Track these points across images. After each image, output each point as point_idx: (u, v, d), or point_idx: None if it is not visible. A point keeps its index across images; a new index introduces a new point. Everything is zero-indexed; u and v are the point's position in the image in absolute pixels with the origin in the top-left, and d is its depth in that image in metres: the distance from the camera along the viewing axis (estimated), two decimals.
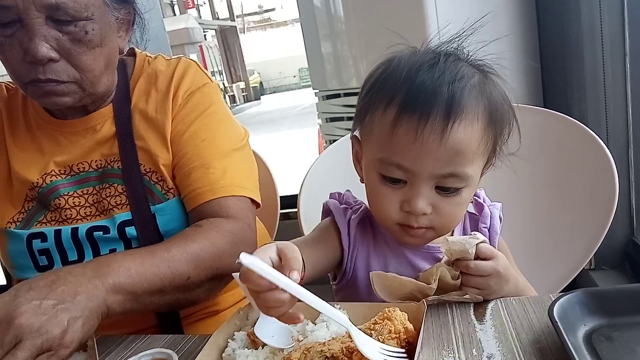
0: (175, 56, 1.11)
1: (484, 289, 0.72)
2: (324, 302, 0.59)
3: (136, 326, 0.95)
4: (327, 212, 0.92)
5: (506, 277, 0.73)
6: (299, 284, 0.58)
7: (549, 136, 1.23)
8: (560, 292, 1.09)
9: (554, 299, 0.63)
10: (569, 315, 0.61)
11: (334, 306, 0.69)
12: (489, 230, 0.88)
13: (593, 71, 1.59)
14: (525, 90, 1.78)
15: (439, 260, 0.80)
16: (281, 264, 0.61)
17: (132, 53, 1.10)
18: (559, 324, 0.58)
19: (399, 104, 0.72)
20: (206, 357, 0.62)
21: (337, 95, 2.19)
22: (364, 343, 0.58)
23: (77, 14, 0.87)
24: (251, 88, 27.19)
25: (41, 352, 0.63)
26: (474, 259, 0.71)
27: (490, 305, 0.73)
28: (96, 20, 0.90)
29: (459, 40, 0.79)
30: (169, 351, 0.68)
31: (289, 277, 0.57)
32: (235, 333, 0.68)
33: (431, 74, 0.72)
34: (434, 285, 0.71)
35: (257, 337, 0.65)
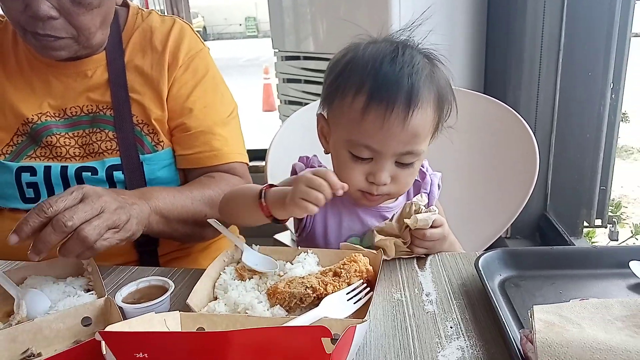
0: (169, 15, 1.18)
1: (430, 248, 0.90)
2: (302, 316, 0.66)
3: (119, 260, 1.05)
4: (294, 173, 1.05)
5: (446, 239, 0.91)
6: None
7: (485, 120, 1.41)
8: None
9: (479, 255, 0.82)
10: (489, 267, 0.79)
11: (307, 252, 0.84)
12: (428, 195, 1.05)
13: (530, 62, 1.77)
14: (469, 74, 1.96)
15: (386, 218, 0.96)
16: None
17: (123, 3, 1.14)
18: (482, 272, 0.76)
19: (367, 93, 0.84)
20: (203, 286, 0.76)
21: (296, 58, 2.28)
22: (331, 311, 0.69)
23: None
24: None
25: (111, 228, 0.82)
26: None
27: (430, 257, 0.91)
28: None
29: (410, 30, 0.92)
30: (165, 279, 0.80)
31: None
32: (225, 267, 0.82)
33: (393, 67, 0.85)
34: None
35: (244, 271, 0.79)
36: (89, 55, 1.07)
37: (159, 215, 0.95)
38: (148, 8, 1.21)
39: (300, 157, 1.07)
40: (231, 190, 0.94)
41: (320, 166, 1.06)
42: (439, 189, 1.07)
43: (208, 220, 0.91)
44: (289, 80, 2.35)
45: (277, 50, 2.40)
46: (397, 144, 0.85)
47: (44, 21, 0.92)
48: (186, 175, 1.16)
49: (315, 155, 1.08)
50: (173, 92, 1.09)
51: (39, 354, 0.67)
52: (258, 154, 1.83)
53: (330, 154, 0.98)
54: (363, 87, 0.85)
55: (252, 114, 6.90)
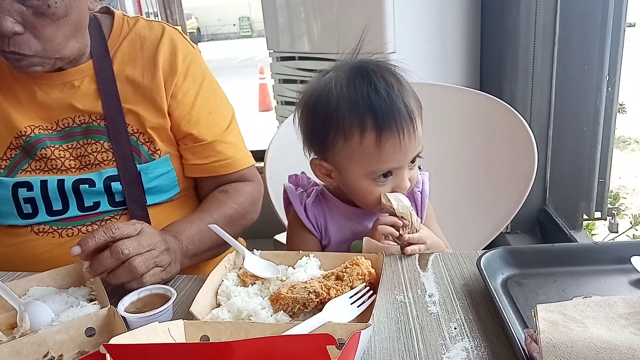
0: (156, 20, 1.17)
1: (418, 239, 0.94)
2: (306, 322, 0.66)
3: None
4: (285, 196, 1.07)
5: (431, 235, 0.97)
6: None
7: (482, 116, 1.41)
8: (482, 249, 1.30)
9: (480, 254, 0.82)
10: (491, 266, 0.79)
11: (309, 255, 0.84)
12: (421, 193, 1.07)
13: (525, 56, 1.78)
14: (465, 71, 1.97)
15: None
16: None
17: (107, 11, 1.13)
18: (484, 271, 0.76)
19: (375, 128, 0.89)
20: (205, 293, 0.75)
21: (292, 58, 2.27)
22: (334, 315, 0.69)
23: None
24: (187, 34, 25.88)
25: (158, 266, 0.86)
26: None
27: (431, 257, 0.91)
28: None
29: (357, 50, 0.97)
30: (167, 287, 0.80)
31: None
32: (227, 274, 0.82)
33: (382, 96, 0.90)
34: None
35: (246, 277, 0.79)
36: (74, 65, 1.05)
37: (188, 257, 0.99)
38: (141, 10, 1.20)
39: (289, 176, 1.10)
40: None
41: (309, 182, 1.08)
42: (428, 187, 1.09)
43: (209, 225, 0.91)
44: (285, 81, 2.35)
45: (272, 51, 2.39)
46: (411, 154, 0.93)
47: (9, 37, 0.90)
48: (197, 183, 1.19)
49: (303, 172, 1.10)
50: (178, 100, 1.09)
51: (60, 356, 0.68)
52: (256, 155, 1.84)
53: (334, 187, 1.03)
54: (367, 124, 0.90)
55: (248, 115, 6.88)
